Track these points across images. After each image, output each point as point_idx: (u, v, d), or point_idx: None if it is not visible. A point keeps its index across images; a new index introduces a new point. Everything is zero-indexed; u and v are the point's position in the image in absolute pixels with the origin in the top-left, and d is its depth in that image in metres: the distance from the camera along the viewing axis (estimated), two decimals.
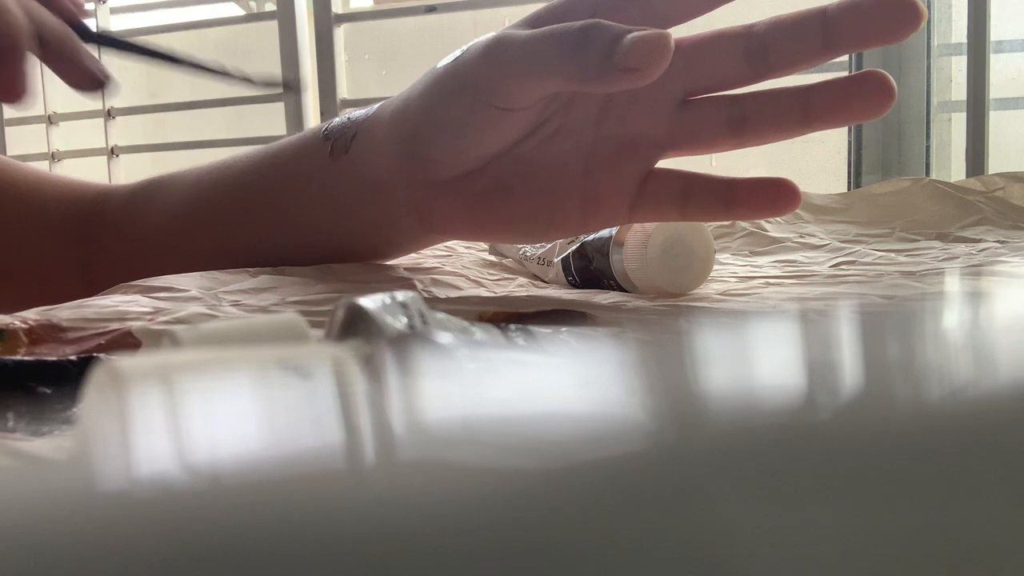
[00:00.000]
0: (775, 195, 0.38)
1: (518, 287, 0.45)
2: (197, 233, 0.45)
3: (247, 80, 0.46)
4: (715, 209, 0.38)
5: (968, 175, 0.93)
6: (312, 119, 1.29)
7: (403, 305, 0.19)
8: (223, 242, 0.45)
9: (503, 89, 0.37)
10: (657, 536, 0.08)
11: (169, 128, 1.43)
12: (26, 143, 1.48)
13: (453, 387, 0.11)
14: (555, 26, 0.36)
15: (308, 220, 0.44)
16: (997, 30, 0.96)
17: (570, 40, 0.35)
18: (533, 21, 0.39)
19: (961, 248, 0.54)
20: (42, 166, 1.44)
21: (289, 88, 0.45)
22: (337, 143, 0.43)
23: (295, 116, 1.29)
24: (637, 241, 0.41)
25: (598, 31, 0.35)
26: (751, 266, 0.52)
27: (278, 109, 1.29)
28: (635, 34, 0.34)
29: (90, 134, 1.44)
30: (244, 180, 0.45)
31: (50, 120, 1.45)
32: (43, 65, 0.47)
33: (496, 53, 0.37)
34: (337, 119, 0.44)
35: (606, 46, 0.34)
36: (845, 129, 1.05)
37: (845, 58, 1.04)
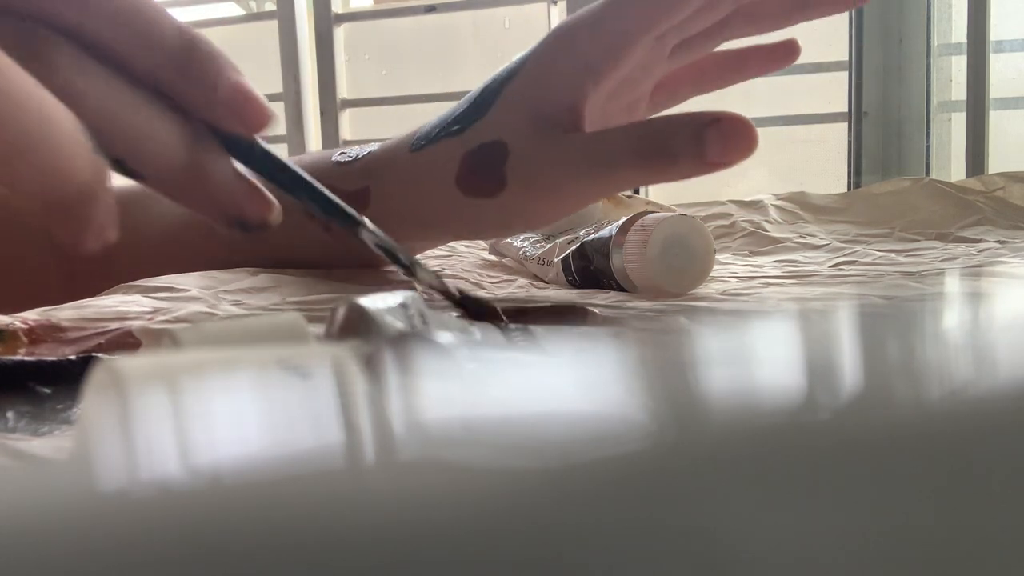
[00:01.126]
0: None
1: (518, 287, 0.45)
2: (196, 243, 0.45)
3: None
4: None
5: (968, 175, 0.93)
6: (312, 119, 1.29)
7: (403, 305, 0.19)
8: (218, 251, 0.44)
9: (575, 208, 0.41)
10: (657, 536, 0.08)
11: None
12: None
13: (453, 387, 0.11)
14: (622, 129, 0.38)
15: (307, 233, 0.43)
16: (997, 30, 0.96)
17: (652, 143, 0.37)
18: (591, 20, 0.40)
19: (961, 248, 0.54)
20: None
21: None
22: (344, 156, 0.43)
23: (295, 116, 1.29)
24: (637, 241, 0.41)
25: (674, 126, 0.36)
26: (751, 266, 0.52)
27: (278, 109, 1.29)
28: (719, 128, 0.35)
29: None
30: None
31: None
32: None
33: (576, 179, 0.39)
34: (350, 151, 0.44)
35: (694, 146, 0.36)
36: (845, 129, 1.05)
37: (846, 56, 1.04)
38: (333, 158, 0.44)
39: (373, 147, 0.44)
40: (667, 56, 0.42)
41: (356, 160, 0.43)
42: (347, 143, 1.21)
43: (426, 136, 0.42)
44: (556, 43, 0.39)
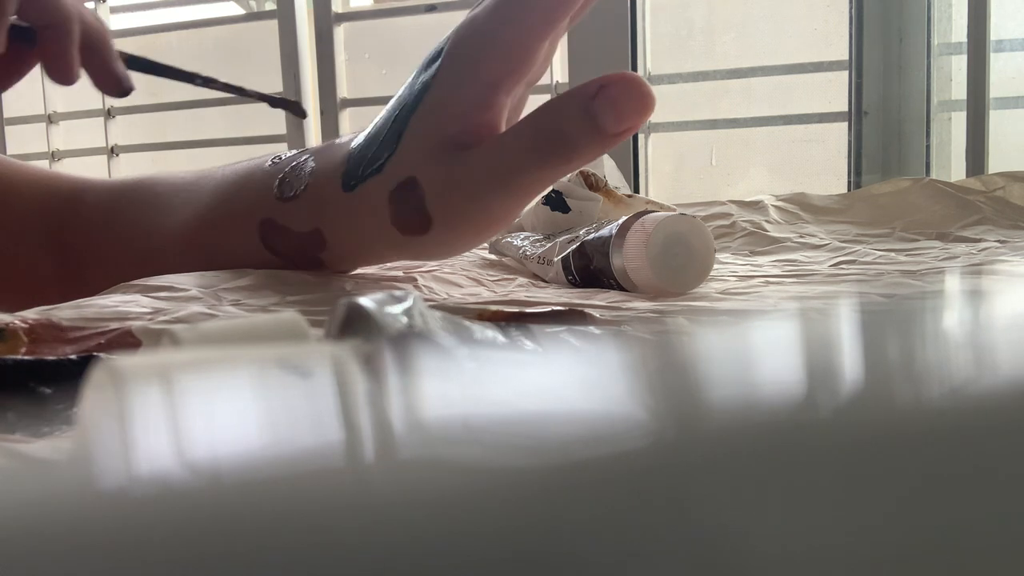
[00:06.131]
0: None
1: (518, 287, 0.45)
2: (184, 243, 0.44)
3: (262, 97, 0.48)
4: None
5: (968, 175, 0.93)
6: (312, 119, 1.29)
7: (403, 305, 0.19)
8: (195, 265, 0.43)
9: (509, 219, 0.39)
10: (657, 535, 0.08)
11: (169, 128, 1.43)
12: (26, 142, 1.48)
13: (453, 387, 0.11)
14: (513, 132, 0.36)
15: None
16: (997, 30, 0.96)
17: (545, 135, 0.35)
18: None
19: (961, 248, 0.54)
20: (41, 165, 1.44)
21: (292, 110, 0.46)
22: (286, 188, 0.42)
23: (295, 116, 1.28)
24: (637, 240, 0.41)
25: (561, 110, 0.34)
26: (751, 265, 0.52)
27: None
28: (606, 95, 0.33)
29: (90, 134, 1.44)
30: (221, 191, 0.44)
31: (50, 120, 1.45)
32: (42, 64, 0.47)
33: (476, 196, 0.37)
34: (291, 164, 0.42)
35: (587, 122, 0.33)
36: (845, 129, 1.05)
37: (846, 55, 1.04)
38: (275, 191, 0.42)
39: (306, 164, 0.42)
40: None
41: (296, 195, 0.41)
42: None
43: (355, 172, 0.40)
44: (454, 65, 0.37)
